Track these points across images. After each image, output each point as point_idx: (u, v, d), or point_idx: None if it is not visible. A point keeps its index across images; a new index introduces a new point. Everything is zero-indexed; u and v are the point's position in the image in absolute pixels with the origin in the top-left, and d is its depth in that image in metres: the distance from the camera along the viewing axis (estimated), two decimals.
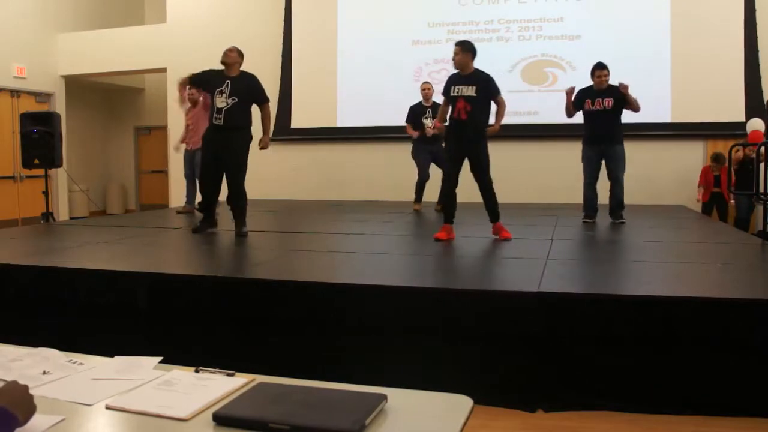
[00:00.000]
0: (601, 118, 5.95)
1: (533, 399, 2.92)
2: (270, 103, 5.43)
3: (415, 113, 7.20)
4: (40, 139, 7.45)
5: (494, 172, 8.66)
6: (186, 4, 10.18)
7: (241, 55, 5.33)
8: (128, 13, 11.79)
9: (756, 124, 7.34)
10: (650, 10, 8.43)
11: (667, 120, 8.36)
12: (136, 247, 4.86)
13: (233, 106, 5.10)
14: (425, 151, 7.17)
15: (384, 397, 1.08)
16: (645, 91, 8.30)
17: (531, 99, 8.65)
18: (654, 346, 2.92)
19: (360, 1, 9.50)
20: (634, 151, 8.33)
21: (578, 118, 6.21)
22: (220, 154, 5.17)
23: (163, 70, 10.22)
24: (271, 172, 9.61)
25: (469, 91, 4.66)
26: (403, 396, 1.13)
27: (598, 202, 6.20)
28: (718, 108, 8.13)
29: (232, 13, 9.96)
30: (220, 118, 5.12)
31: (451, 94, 4.73)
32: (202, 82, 5.35)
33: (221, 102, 5.11)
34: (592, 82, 6.13)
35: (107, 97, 12.38)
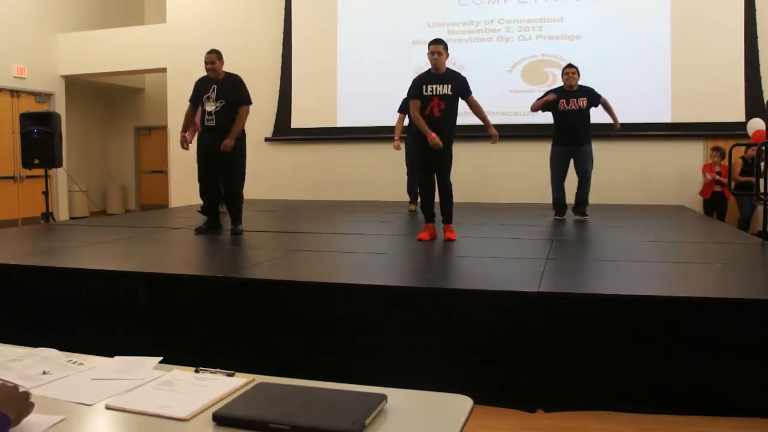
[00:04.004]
0: (576, 117, 6.15)
1: (533, 399, 2.92)
2: (249, 107, 5.35)
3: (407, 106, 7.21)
4: (40, 139, 7.44)
5: (494, 172, 8.73)
6: (186, 4, 10.18)
7: (220, 57, 5.32)
8: (128, 13, 11.78)
9: (757, 124, 7.34)
10: (650, 10, 8.43)
11: (667, 120, 8.36)
12: (136, 247, 4.86)
13: (222, 109, 5.20)
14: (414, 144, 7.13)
15: (384, 397, 1.08)
16: (645, 91, 8.34)
17: (531, 99, 8.57)
18: (654, 346, 2.92)
19: (360, 1, 9.50)
20: (634, 151, 8.38)
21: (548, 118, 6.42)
22: (215, 155, 5.21)
23: (163, 70, 10.23)
24: (271, 172, 9.62)
25: (444, 89, 4.69)
26: (403, 396, 1.13)
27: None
28: (718, 108, 8.13)
29: (232, 13, 9.96)
30: (211, 120, 5.22)
31: (425, 93, 4.72)
32: (197, 97, 5.36)
33: (210, 106, 5.21)
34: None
35: (107, 97, 12.38)
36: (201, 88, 5.31)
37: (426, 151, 4.74)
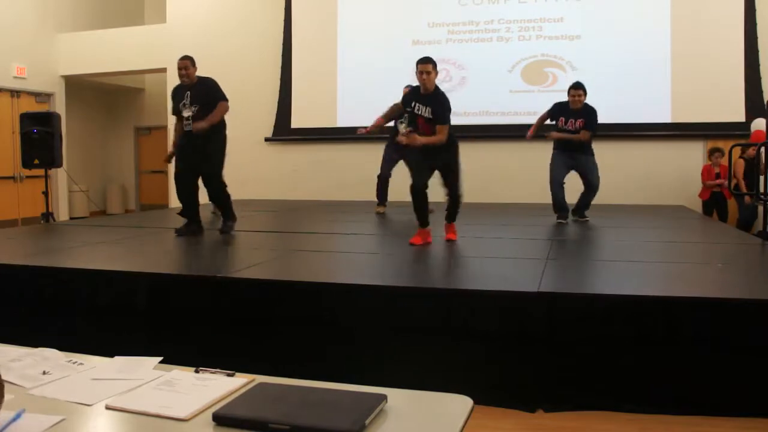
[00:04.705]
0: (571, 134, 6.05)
1: (533, 399, 2.92)
2: (227, 103, 5.28)
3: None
4: (40, 139, 7.44)
5: (494, 172, 8.72)
6: (186, 4, 10.18)
7: (193, 63, 5.29)
8: (128, 13, 11.78)
9: (760, 124, 7.34)
10: (650, 10, 8.43)
11: (667, 120, 8.36)
12: (135, 248, 4.86)
13: (197, 113, 5.15)
14: (395, 149, 6.91)
15: (384, 397, 1.08)
16: (645, 91, 8.35)
17: (531, 99, 8.64)
18: (654, 346, 2.92)
19: (360, 1, 9.50)
20: (634, 151, 8.38)
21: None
22: (193, 159, 5.19)
23: (163, 70, 10.22)
24: (271, 172, 9.62)
25: (426, 112, 4.55)
26: (403, 396, 1.13)
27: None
28: (718, 108, 8.13)
29: (232, 13, 9.97)
30: (189, 125, 5.18)
31: (415, 111, 4.59)
32: (176, 110, 5.34)
33: (187, 112, 5.19)
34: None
35: (107, 97, 12.38)
36: (177, 97, 5.30)
37: (426, 161, 4.59)
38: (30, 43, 10.10)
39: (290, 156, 9.70)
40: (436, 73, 4.59)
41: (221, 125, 5.31)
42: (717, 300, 2.98)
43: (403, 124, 6.95)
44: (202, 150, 5.19)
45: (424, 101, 4.56)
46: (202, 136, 5.12)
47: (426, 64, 4.52)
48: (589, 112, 6.06)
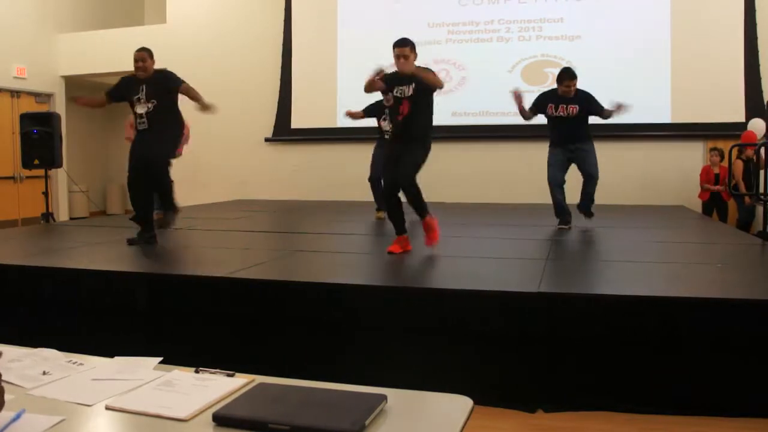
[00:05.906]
0: (566, 123, 5.63)
1: (533, 399, 2.92)
2: (188, 84, 4.88)
3: (377, 110, 6.69)
4: (40, 139, 7.45)
5: (494, 172, 8.70)
6: (186, 4, 10.19)
7: (151, 55, 4.86)
8: (128, 13, 11.78)
9: (756, 124, 7.33)
10: (650, 10, 8.44)
11: (667, 120, 8.37)
12: (135, 248, 4.85)
13: (154, 109, 4.80)
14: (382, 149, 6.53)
15: (384, 398, 1.08)
16: (645, 91, 8.34)
17: (531, 99, 8.62)
18: (654, 346, 2.92)
19: (360, 1, 9.51)
20: (634, 151, 8.39)
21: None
22: (147, 157, 4.82)
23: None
24: (271, 172, 9.62)
25: (408, 90, 4.18)
26: (403, 396, 1.13)
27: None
28: (718, 108, 8.14)
29: (232, 13, 9.97)
30: (143, 122, 4.83)
31: (396, 94, 4.28)
32: (120, 95, 4.93)
33: (141, 108, 4.81)
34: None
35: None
36: (129, 88, 4.86)
37: (392, 149, 4.30)
38: (30, 43, 10.10)
39: (290, 156, 9.70)
40: (415, 55, 4.19)
41: (177, 122, 4.97)
42: (717, 300, 2.98)
43: (386, 122, 6.78)
44: (154, 143, 4.79)
45: (405, 81, 4.21)
46: (155, 131, 4.75)
47: (403, 47, 4.14)
48: (586, 98, 5.57)
